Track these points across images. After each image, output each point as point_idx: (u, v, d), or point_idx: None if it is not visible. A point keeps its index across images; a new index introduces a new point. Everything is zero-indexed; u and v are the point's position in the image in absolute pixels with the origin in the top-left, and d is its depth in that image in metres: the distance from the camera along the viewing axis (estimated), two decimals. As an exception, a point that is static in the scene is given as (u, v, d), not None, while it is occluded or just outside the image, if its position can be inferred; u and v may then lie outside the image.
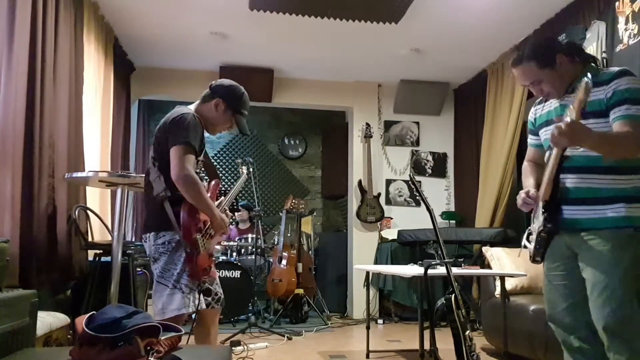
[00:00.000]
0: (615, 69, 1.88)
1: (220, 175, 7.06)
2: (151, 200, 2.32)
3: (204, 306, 2.32)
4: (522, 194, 2.00)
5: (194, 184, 2.21)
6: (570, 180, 1.87)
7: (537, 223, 1.94)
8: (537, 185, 2.02)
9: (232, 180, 7.06)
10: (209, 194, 2.37)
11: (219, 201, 2.56)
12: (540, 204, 1.91)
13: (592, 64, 1.95)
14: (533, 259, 1.99)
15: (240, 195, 6.45)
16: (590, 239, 1.82)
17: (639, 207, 1.79)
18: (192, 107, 2.45)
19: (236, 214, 5.89)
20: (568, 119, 1.68)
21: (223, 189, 6.18)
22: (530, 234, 2.00)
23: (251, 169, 4.31)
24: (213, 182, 2.55)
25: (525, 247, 2.01)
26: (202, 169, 2.50)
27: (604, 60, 3.56)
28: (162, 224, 2.26)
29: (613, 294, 1.75)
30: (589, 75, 1.68)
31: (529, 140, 2.23)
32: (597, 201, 1.82)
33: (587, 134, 1.73)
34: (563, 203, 1.88)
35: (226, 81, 2.52)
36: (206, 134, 2.48)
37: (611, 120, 1.80)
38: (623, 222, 1.77)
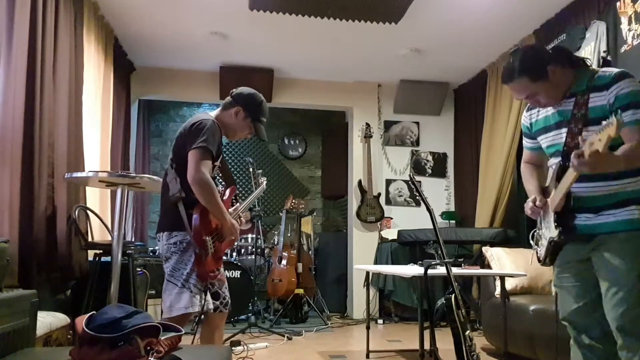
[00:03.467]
0: (613, 71, 1.86)
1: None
2: (166, 200, 2.38)
3: (210, 307, 2.38)
4: (529, 202, 2.00)
5: (208, 188, 2.27)
6: (581, 189, 1.86)
7: (548, 232, 1.92)
8: (540, 189, 2.02)
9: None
10: (224, 200, 2.42)
11: (234, 207, 2.60)
12: (552, 215, 1.90)
13: (585, 68, 1.93)
14: (543, 262, 1.99)
15: (243, 196, 6.45)
16: (604, 243, 1.82)
17: None
18: (212, 114, 2.51)
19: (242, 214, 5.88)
20: (592, 149, 1.59)
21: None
22: (539, 238, 2.00)
23: (254, 171, 4.37)
24: (229, 189, 2.60)
25: (535, 249, 2.02)
26: (219, 174, 2.54)
27: (602, 60, 3.56)
28: (175, 224, 2.32)
29: (629, 294, 1.75)
30: (620, 112, 1.60)
31: (524, 144, 2.22)
32: (610, 207, 1.82)
33: (611, 164, 1.72)
34: (576, 211, 1.88)
35: (246, 89, 2.58)
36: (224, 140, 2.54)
37: None
38: (637, 224, 1.78)
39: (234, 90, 2.57)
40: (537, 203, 1.97)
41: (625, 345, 1.76)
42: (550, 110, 2.00)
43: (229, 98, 2.55)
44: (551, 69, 1.88)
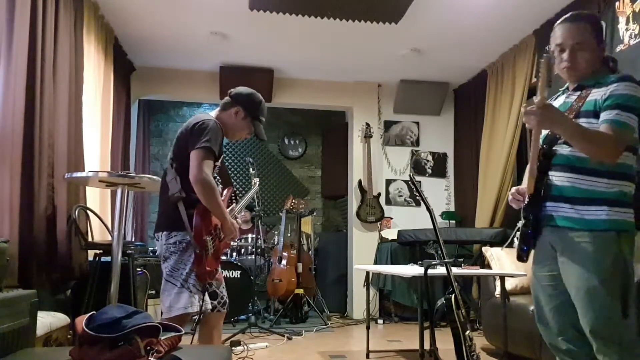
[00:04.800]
0: (618, 74, 1.87)
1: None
2: (166, 200, 2.38)
3: (209, 307, 2.38)
4: (512, 189, 2.02)
5: (210, 188, 2.27)
6: (556, 178, 1.87)
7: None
8: None
9: (232, 181, 7.06)
10: (222, 200, 2.42)
11: (229, 208, 2.61)
12: (526, 198, 1.93)
13: (605, 69, 1.94)
14: (518, 257, 1.99)
15: (243, 195, 6.45)
16: (571, 240, 1.81)
17: (620, 211, 1.78)
18: (212, 114, 2.52)
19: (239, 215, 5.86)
20: (537, 99, 1.68)
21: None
22: (517, 230, 2.00)
23: (255, 172, 4.38)
24: (226, 190, 2.61)
25: (512, 245, 2.02)
26: (218, 174, 2.54)
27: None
28: (174, 224, 2.32)
29: (596, 297, 1.74)
30: (548, 50, 1.71)
31: None
32: (580, 201, 1.82)
33: (558, 118, 1.73)
34: (548, 199, 1.88)
35: (245, 89, 2.59)
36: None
37: (600, 121, 1.80)
38: (605, 224, 1.77)
39: (232, 90, 2.58)
40: (520, 189, 1.97)
41: (600, 348, 1.76)
42: (559, 102, 2.01)
43: (227, 98, 2.55)
44: (603, 44, 1.93)
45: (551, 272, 1.93)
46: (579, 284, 1.78)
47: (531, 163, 1.86)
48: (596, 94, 1.83)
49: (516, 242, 2.00)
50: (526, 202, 1.91)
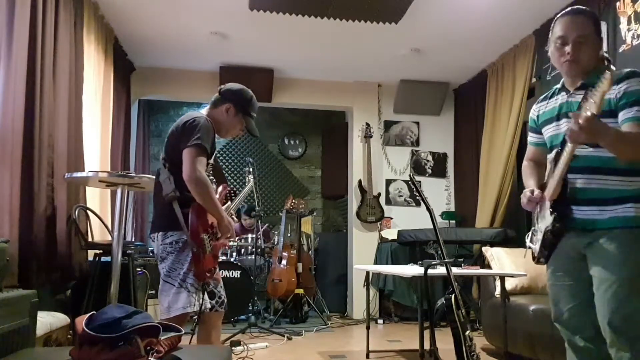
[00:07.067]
0: (626, 70, 1.86)
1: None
2: (160, 200, 2.36)
3: (208, 306, 2.37)
4: (527, 192, 2.00)
5: (204, 186, 2.26)
6: (578, 181, 1.86)
7: (544, 223, 1.92)
8: (539, 186, 2.01)
9: (232, 181, 7.06)
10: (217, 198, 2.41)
11: (225, 206, 2.59)
12: (548, 204, 1.90)
13: (603, 64, 1.93)
14: (537, 260, 1.99)
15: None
16: (599, 238, 1.81)
17: None
18: (203, 112, 2.50)
19: (242, 221, 5.85)
20: (588, 113, 1.63)
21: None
22: (534, 234, 1.99)
23: (252, 171, 4.38)
24: (221, 187, 2.59)
25: (529, 247, 2.01)
26: (211, 172, 2.53)
27: (606, 60, 3.56)
28: (170, 224, 2.30)
29: (619, 291, 1.74)
30: (612, 68, 1.65)
31: (529, 139, 2.21)
32: (605, 202, 1.82)
33: (606, 130, 1.71)
34: (572, 203, 1.87)
35: (235, 85, 2.57)
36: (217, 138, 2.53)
37: (620, 122, 1.79)
38: (632, 222, 1.77)
39: (222, 87, 2.55)
40: (535, 194, 1.96)
41: (615, 343, 1.76)
42: (559, 101, 2.00)
43: (217, 95, 2.53)
44: (602, 40, 1.92)
45: (570, 272, 1.94)
46: (604, 277, 1.78)
47: (562, 170, 1.84)
48: (608, 93, 1.79)
49: (531, 245, 2.00)
50: (551, 208, 1.89)
